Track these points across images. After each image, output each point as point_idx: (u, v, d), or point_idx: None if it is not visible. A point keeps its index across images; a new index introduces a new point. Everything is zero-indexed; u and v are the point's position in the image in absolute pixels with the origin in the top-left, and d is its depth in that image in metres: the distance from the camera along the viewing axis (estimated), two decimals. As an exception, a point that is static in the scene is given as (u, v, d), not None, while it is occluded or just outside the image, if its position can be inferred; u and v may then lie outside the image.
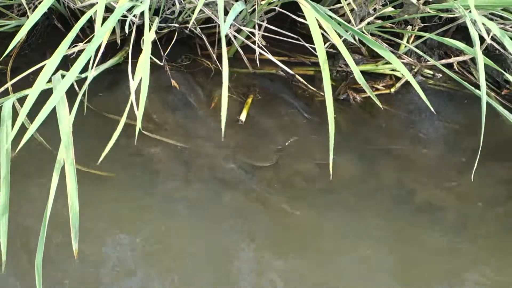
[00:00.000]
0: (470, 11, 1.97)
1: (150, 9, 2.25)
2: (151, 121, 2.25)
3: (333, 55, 2.51)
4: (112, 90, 2.35)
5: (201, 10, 2.13)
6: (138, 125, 1.67)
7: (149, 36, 1.82)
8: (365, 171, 2.24)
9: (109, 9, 2.26)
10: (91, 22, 2.33)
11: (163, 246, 1.95)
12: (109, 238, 1.96)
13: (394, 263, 1.98)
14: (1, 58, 2.04)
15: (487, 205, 2.18)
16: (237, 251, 1.96)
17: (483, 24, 2.04)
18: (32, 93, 1.58)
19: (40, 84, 1.60)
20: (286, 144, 2.28)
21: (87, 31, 2.40)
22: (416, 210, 2.14)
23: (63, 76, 1.83)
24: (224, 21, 1.76)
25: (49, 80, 1.75)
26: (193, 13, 2.30)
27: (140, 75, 1.71)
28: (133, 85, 1.79)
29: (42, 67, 1.90)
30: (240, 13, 2.27)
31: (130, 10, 1.97)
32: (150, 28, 1.83)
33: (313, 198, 2.14)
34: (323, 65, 1.82)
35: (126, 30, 1.95)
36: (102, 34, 1.68)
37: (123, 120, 1.70)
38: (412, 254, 2.01)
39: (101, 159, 1.69)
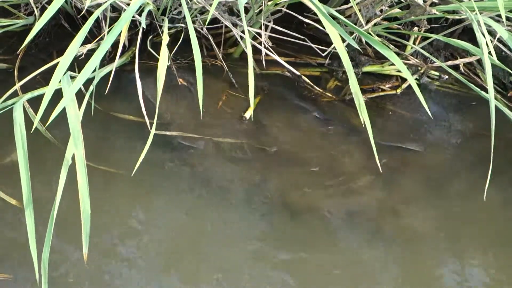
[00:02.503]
0: (477, 13, 1.97)
1: (158, 9, 2.25)
2: (160, 119, 2.25)
3: (339, 56, 2.50)
4: (119, 90, 2.35)
5: (207, 11, 2.14)
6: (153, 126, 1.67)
7: (165, 40, 1.83)
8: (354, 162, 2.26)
9: (115, 9, 2.28)
10: (98, 22, 2.34)
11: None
12: (116, 231, 1.98)
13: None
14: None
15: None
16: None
17: (489, 26, 2.05)
18: (48, 93, 1.59)
19: (54, 84, 1.60)
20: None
21: (94, 32, 2.40)
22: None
23: (72, 77, 1.84)
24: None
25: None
26: (200, 14, 2.30)
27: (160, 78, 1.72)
28: (140, 85, 1.80)
29: (49, 67, 1.91)
30: (246, 14, 2.27)
31: (137, 10, 1.98)
32: (160, 29, 1.83)
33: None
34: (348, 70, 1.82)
35: (144, 25, 1.95)
36: (115, 34, 1.69)
37: (153, 128, 1.69)
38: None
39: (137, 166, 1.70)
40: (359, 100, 1.81)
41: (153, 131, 1.72)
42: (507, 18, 2.30)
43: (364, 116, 1.78)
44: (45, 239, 1.61)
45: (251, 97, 1.75)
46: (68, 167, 1.63)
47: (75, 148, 1.62)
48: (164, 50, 1.79)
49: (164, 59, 1.77)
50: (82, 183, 1.61)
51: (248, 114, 2.34)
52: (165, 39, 1.85)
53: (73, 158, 1.65)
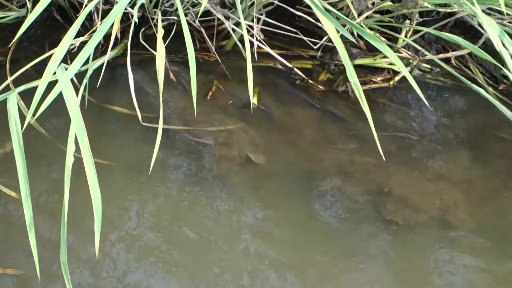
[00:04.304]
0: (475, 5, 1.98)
1: (150, 2, 2.25)
2: (151, 111, 2.26)
3: (331, 49, 2.52)
4: (111, 82, 2.35)
5: (199, 3, 2.14)
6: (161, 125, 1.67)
7: (160, 32, 1.84)
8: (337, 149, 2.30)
9: (108, 1, 2.27)
10: (90, 15, 2.34)
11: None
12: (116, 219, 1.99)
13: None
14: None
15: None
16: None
17: (481, 18, 2.05)
18: (42, 84, 1.58)
19: (48, 75, 1.60)
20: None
21: (87, 24, 2.40)
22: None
23: (66, 69, 1.84)
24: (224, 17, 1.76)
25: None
26: (192, 6, 2.31)
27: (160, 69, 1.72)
28: (132, 77, 1.80)
29: (41, 60, 1.91)
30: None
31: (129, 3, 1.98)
32: (152, 22, 1.82)
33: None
34: (345, 61, 1.82)
35: (136, 18, 1.95)
36: (107, 26, 1.69)
37: (160, 125, 1.68)
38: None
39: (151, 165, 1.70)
40: (359, 89, 1.81)
41: (160, 126, 1.71)
42: (499, 12, 2.31)
43: (364, 105, 1.79)
44: (60, 241, 1.59)
45: (250, 86, 1.75)
46: (72, 157, 1.62)
47: (78, 135, 1.61)
48: (160, 43, 1.80)
49: (161, 52, 1.77)
50: (90, 171, 1.60)
51: (254, 100, 2.35)
52: (160, 31, 1.86)
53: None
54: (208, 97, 2.37)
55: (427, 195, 2.18)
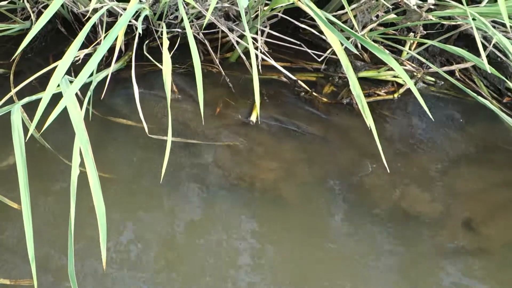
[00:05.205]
0: (474, 19, 1.98)
1: (154, 14, 2.25)
2: (157, 124, 2.25)
3: (335, 61, 2.51)
4: (114, 94, 2.35)
5: (204, 15, 2.14)
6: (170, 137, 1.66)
7: (166, 44, 1.83)
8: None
9: (112, 14, 2.28)
10: (94, 27, 2.34)
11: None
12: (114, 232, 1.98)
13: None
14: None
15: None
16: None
17: (485, 31, 2.05)
18: (45, 97, 1.58)
19: (52, 88, 1.60)
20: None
21: (91, 37, 2.40)
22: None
23: (70, 81, 1.84)
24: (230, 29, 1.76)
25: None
26: (196, 19, 2.31)
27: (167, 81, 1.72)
28: (137, 89, 1.80)
29: (45, 72, 1.91)
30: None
31: (134, 15, 1.98)
32: (156, 34, 1.82)
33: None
34: (349, 73, 1.82)
35: (140, 30, 1.95)
36: (112, 38, 1.69)
37: (169, 138, 1.69)
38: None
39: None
40: (362, 101, 1.80)
41: (169, 139, 1.71)
42: (503, 25, 2.30)
43: (367, 117, 1.78)
44: (68, 253, 1.60)
45: (257, 99, 1.75)
46: (77, 170, 1.62)
47: (83, 149, 1.61)
48: (166, 54, 1.79)
49: (167, 63, 1.77)
50: (94, 185, 1.60)
51: (254, 117, 2.34)
52: (166, 42, 1.85)
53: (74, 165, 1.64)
54: (217, 112, 2.37)
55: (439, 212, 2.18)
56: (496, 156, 2.37)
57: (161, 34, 2.29)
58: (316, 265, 1.98)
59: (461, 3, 2.09)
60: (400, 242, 2.07)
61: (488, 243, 2.10)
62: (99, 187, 1.60)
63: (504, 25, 2.30)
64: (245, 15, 2.24)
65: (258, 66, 2.28)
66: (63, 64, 1.64)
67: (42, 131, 1.61)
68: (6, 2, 2.28)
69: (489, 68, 1.94)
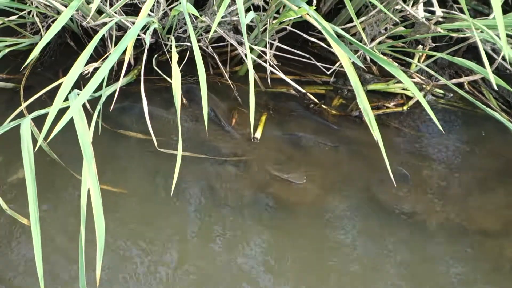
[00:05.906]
0: (482, 31, 1.98)
1: (163, 28, 2.26)
2: (163, 136, 2.25)
3: (344, 74, 2.51)
4: (123, 108, 2.36)
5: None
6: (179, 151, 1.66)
7: (175, 57, 1.84)
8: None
9: (121, 28, 2.29)
10: (103, 41, 2.35)
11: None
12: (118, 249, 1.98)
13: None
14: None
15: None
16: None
17: (494, 43, 2.05)
18: (52, 110, 1.59)
19: (59, 102, 1.61)
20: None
21: (100, 50, 2.41)
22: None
23: (78, 94, 1.84)
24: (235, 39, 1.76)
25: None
26: (205, 32, 2.31)
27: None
28: (146, 103, 1.80)
29: (55, 86, 1.92)
30: (251, 32, 2.28)
31: (143, 29, 1.98)
32: (166, 48, 1.82)
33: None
34: (357, 87, 1.82)
35: (148, 43, 1.96)
36: (120, 51, 1.69)
37: (179, 152, 1.68)
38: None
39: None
40: (369, 115, 1.80)
41: (179, 153, 1.71)
42: (510, 36, 2.30)
43: (375, 131, 1.78)
44: (79, 267, 1.61)
45: (252, 116, 1.75)
46: (86, 190, 1.62)
47: (86, 162, 1.62)
48: (175, 67, 1.79)
49: (177, 77, 1.77)
50: (95, 199, 1.61)
51: (258, 134, 2.34)
52: (175, 56, 1.86)
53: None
54: (232, 123, 2.38)
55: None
56: (507, 169, 2.36)
57: (170, 48, 2.30)
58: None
59: (470, 16, 2.09)
60: (417, 258, 2.07)
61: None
62: (100, 201, 1.60)
63: (510, 36, 2.29)
64: (254, 29, 2.25)
65: (267, 79, 2.29)
66: (70, 77, 1.65)
67: (48, 140, 1.61)
68: (16, 16, 2.29)
69: (494, 80, 1.93)
